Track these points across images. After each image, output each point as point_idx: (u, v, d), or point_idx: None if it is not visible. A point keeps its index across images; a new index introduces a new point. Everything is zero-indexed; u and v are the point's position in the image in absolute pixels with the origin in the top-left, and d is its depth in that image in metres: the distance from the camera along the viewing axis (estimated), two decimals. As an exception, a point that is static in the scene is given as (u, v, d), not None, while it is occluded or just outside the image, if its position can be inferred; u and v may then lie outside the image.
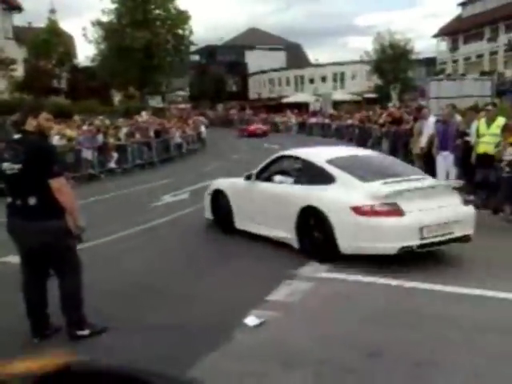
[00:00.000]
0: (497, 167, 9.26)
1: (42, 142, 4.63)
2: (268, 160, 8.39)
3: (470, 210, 6.94)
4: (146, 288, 6.01)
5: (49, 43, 44.99)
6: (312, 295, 5.58)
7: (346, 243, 6.47)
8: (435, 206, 6.55)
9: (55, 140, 17.32)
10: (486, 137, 9.68)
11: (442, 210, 6.58)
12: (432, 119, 11.98)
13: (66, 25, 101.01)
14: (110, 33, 46.35)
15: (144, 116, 30.17)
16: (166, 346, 4.45)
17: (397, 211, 6.31)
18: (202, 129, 32.50)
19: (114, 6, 46.79)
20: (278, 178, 7.95)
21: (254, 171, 8.43)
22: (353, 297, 5.48)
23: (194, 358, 4.15)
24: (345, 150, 9.49)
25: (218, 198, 9.04)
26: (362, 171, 7.14)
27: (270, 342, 4.47)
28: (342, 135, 30.59)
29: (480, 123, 9.97)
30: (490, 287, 5.49)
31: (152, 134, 23.05)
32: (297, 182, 7.58)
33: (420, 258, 6.60)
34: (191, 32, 49.41)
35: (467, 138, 10.68)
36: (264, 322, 4.83)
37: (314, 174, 7.35)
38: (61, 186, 4.43)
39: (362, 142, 21.72)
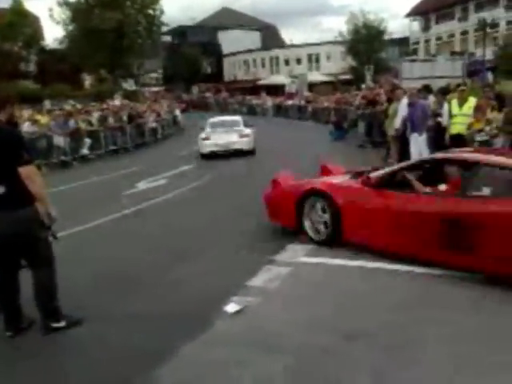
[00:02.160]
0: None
1: (10, 129, 4.51)
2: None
3: (245, 139, 17.08)
4: (121, 278, 5.94)
5: (14, 25, 43.71)
6: (291, 280, 5.58)
7: (201, 150, 17.34)
8: (227, 137, 17.00)
9: (25, 126, 16.99)
10: (458, 117, 9.71)
11: (228, 139, 16.95)
12: (405, 100, 12.02)
13: (31, 5, 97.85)
14: (78, 13, 45.19)
15: (117, 100, 29.73)
16: (144, 336, 4.41)
17: (208, 138, 17.05)
18: (177, 112, 32.22)
19: None
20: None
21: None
22: (331, 281, 5.49)
23: (173, 348, 4.12)
24: (225, 117, 21.28)
25: None
26: (216, 125, 17.95)
27: (251, 329, 4.47)
28: (318, 117, 30.57)
29: (452, 104, 9.99)
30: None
31: (125, 118, 22.72)
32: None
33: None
34: (162, 12, 48.61)
35: (439, 119, 10.73)
36: (244, 309, 4.82)
37: (205, 127, 18.14)
38: (30, 174, 4.32)
39: (338, 124, 21.72)
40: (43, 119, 18.97)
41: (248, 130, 17.45)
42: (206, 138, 17.13)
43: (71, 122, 18.86)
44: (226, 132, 17.21)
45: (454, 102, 9.97)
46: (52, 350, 4.36)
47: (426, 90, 11.90)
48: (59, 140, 17.85)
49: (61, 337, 4.51)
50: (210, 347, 4.17)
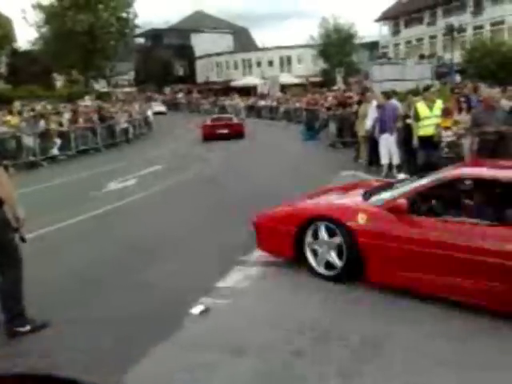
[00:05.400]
0: (438, 148, 9.48)
1: None
2: None
3: (164, 109, 47.82)
4: (90, 279, 5.85)
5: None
6: (262, 281, 5.57)
7: (153, 110, 37.55)
8: (159, 107, 45.76)
9: (-5, 127, 16.75)
10: (431, 119, 9.75)
11: (159, 108, 45.86)
12: (375, 102, 12.20)
13: (3, 7, 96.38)
14: (52, 16, 45.00)
15: (87, 101, 29.49)
16: (112, 339, 4.33)
17: (154, 107, 40.80)
18: (149, 113, 32.11)
19: None
20: None
21: None
22: (302, 282, 5.48)
23: (141, 350, 4.07)
24: (157, 103, 49.82)
25: None
26: (155, 105, 45.54)
27: (220, 330, 4.44)
28: (290, 118, 30.79)
29: (418, 107, 10.01)
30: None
31: (96, 118, 22.51)
32: None
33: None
34: (136, 15, 48.73)
35: (408, 121, 10.87)
36: (214, 310, 4.80)
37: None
38: None
39: (309, 125, 21.89)
40: (13, 120, 18.70)
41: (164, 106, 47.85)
42: (154, 107, 40.73)
43: (41, 123, 18.64)
44: (158, 106, 45.28)
45: (422, 105, 10.00)
46: (17, 354, 4.24)
47: (388, 94, 12.06)
48: (29, 140, 17.61)
49: (25, 341, 4.40)
50: (178, 349, 4.13)
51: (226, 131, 23.23)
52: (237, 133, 23.30)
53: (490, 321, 4.32)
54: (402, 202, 4.88)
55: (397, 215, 4.90)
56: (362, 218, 5.08)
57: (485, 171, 5.38)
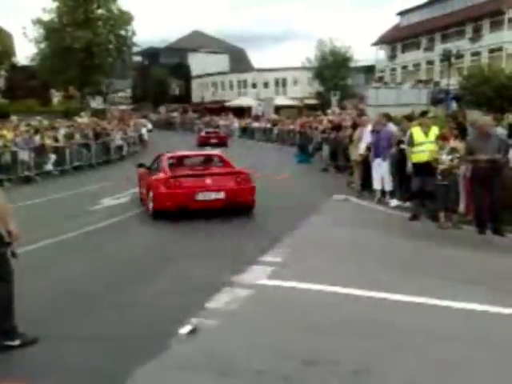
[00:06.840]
0: (434, 175, 9.39)
1: None
2: None
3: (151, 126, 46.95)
4: (80, 296, 5.83)
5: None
6: (252, 303, 5.54)
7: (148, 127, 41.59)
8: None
9: (-11, 141, 16.77)
10: (426, 145, 9.65)
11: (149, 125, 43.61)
12: (370, 127, 12.24)
13: (4, 23, 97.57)
14: (51, 32, 45.56)
15: (84, 117, 29.64)
16: (99, 357, 4.31)
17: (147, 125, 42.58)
18: (144, 131, 32.32)
19: (55, 5, 46.17)
20: None
21: None
22: (292, 304, 5.47)
23: (128, 370, 4.03)
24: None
25: None
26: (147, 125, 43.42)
27: (207, 352, 4.40)
28: (283, 140, 30.95)
29: (414, 132, 9.95)
30: (429, 294, 5.55)
31: (91, 135, 22.60)
32: None
33: (359, 266, 6.76)
34: (134, 33, 49.31)
35: (402, 146, 10.78)
36: (202, 331, 4.76)
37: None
38: None
39: (303, 147, 21.99)
40: (9, 134, 18.74)
41: (150, 123, 44.73)
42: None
43: (36, 138, 18.69)
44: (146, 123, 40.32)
45: (418, 130, 9.91)
46: (4, 368, 4.22)
47: (387, 117, 12.09)
48: (24, 154, 17.62)
49: (13, 356, 4.38)
50: (165, 370, 4.10)
51: (215, 140, 32.43)
52: (223, 141, 32.66)
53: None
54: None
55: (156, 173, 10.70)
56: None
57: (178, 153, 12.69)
